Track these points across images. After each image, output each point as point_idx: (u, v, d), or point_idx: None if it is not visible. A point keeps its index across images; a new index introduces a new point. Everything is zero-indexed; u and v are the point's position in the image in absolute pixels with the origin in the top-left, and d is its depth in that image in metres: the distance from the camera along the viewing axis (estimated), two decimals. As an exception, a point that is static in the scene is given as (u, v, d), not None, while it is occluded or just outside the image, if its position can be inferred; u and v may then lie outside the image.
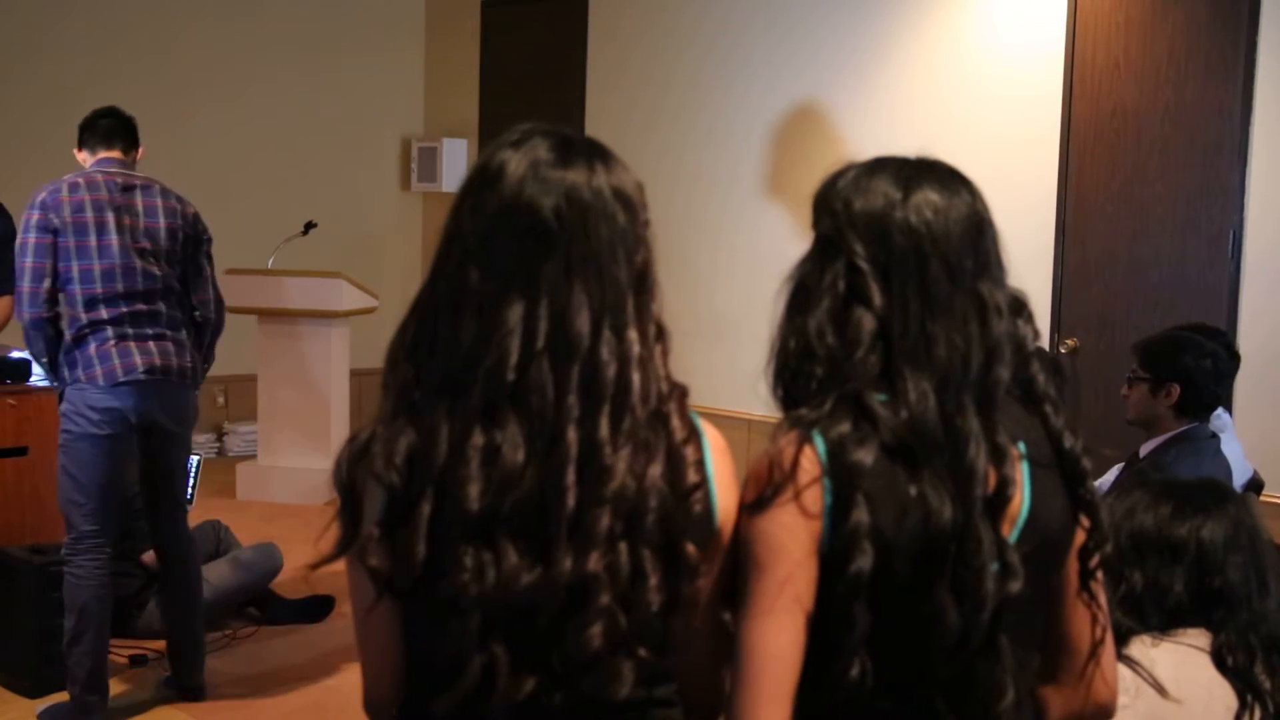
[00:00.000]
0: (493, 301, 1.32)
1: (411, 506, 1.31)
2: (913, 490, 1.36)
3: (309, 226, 6.76)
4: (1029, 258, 5.14)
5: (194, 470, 5.01)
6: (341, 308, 6.44)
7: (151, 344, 3.73)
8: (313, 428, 6.44)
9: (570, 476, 1.29)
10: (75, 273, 3.66)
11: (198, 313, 3.92)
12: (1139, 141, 5.03)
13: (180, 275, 3.85)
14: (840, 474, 1.35)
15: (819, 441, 1.37)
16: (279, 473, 6.39)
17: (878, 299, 1.40)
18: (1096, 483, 1.53)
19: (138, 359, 3.69)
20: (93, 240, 3.66)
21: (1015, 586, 1.36)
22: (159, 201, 3.81)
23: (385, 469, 1.32)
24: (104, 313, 3.66)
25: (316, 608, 4.78)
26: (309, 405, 6.46)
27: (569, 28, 7.09)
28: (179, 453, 3.96)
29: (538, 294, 1.31)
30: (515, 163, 1.35)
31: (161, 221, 3.78)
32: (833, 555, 1.35)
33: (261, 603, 4.78)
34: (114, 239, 3.68)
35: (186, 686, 4.00)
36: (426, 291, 1.37)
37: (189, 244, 3.86)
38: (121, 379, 3.66)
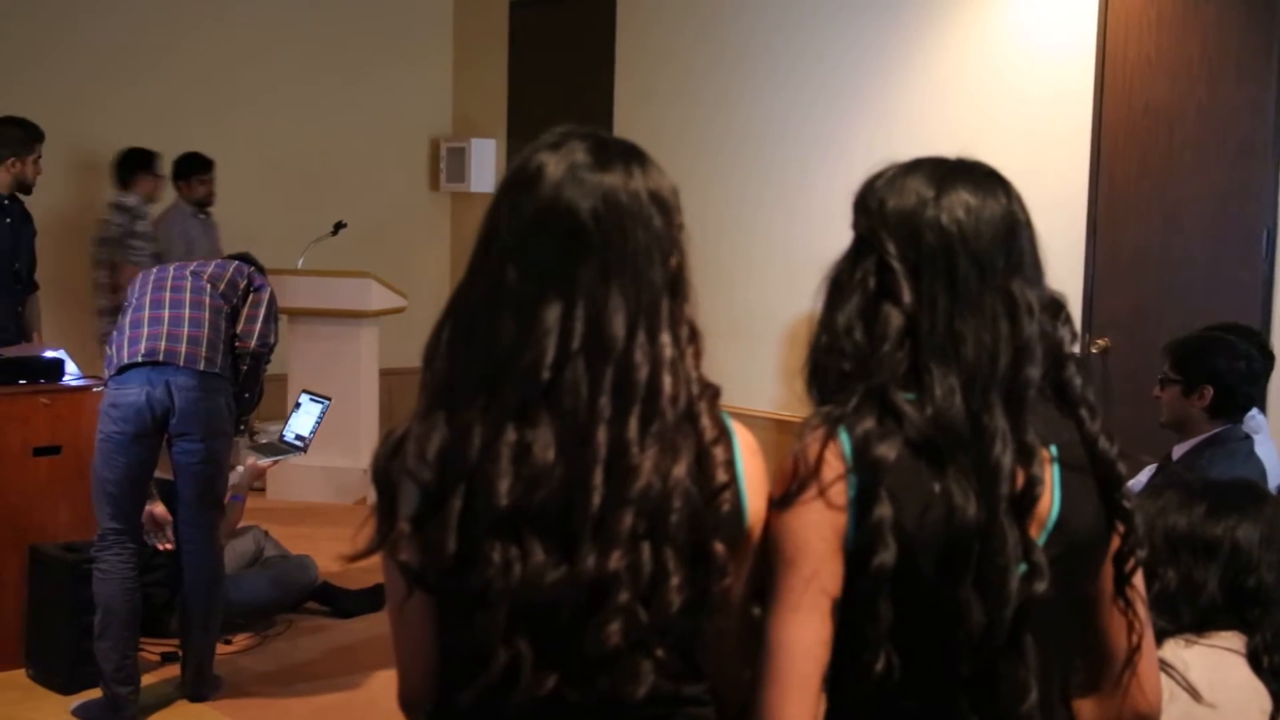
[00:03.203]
0: (530, 301, 1.32)
1: (443, 501, 1.32)
2: (937, 487, 1.36)
3: (338, 227, 6.79)
4: (1060, 256, 5.03)
5: (320, 415, 5.09)
6: (371, 308, 6.47)
7: None
8: (342, 427, 6.45)
9: (598, 476, 1.29)
10: None
11: None
12: (1171, 139, 4.98)
13: None
14: (864, 469, 1.36)
15: (844, 437, 1.37)
16: (308, 472, 6.42)
17: (907, 296, 1.40)
18: (1128, 484, 1.52)
19: None
20: None
21: (1041, 587, 1.36)
22: None
23: (418, 465, 1.33)
24: None
25: (382, 595, 4.76)
26: (338, 405, 6.47)
27: (597, 28, 7.09)
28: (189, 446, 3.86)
29: (574, 295, 1.32)
30: (553, 165, 1.36)
31: None
32: (857, 550, 1.36)
33: (324, 598, 4.81)
34: None
35: (188, 692, 4.00)
36: (463, 290, 1.38)
37: None
38: None
